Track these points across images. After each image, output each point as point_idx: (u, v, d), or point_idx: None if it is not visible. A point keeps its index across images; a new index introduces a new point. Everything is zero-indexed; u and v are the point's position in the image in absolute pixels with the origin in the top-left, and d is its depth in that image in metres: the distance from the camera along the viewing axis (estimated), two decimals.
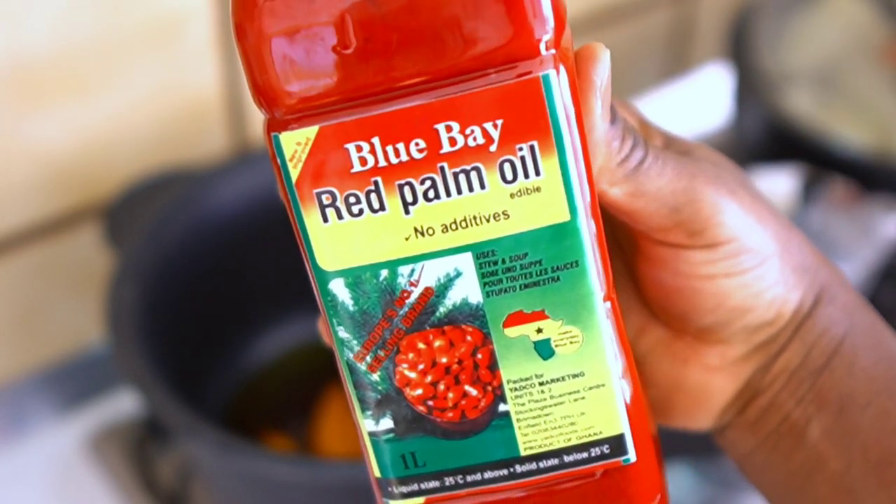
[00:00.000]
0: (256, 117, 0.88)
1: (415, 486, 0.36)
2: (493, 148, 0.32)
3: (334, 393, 0.84)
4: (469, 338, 0.34)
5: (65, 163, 0.81)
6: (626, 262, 0.40)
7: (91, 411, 0.88)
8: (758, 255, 0.37)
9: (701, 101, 1.19)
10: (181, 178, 0.80)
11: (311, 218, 0.33)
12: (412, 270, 0.33)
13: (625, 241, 0.40)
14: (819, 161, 0.91)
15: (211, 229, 0.80)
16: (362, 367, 0.35)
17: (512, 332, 0.34)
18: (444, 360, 0.35)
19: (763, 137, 0.98)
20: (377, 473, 0.36)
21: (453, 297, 0.34)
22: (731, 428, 0.40)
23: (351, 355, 0.35)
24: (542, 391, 0.35)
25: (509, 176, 0.32)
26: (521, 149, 0.32)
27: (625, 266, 0.40)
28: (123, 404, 0.88)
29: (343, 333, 0.35)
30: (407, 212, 0.33)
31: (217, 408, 0.83)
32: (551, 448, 0.35)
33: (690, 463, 0.81)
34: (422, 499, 0.36)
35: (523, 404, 0.35)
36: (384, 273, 0.34)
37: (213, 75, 0.85)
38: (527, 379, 0.35)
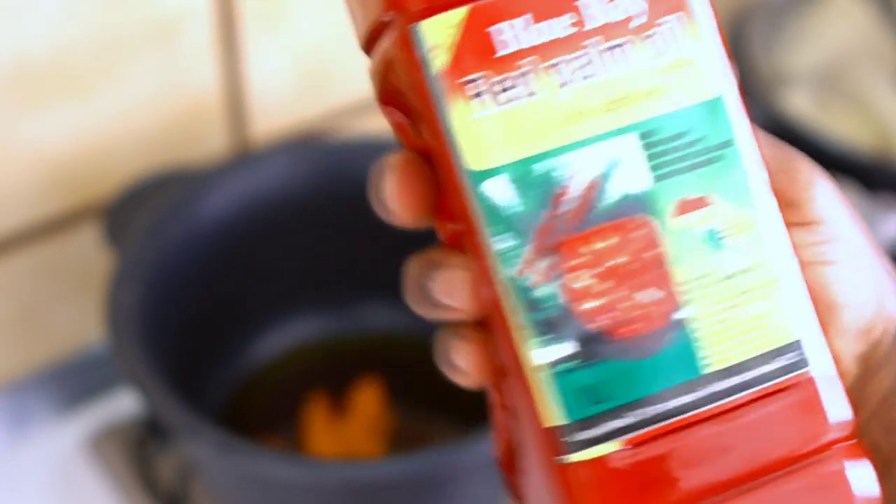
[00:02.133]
0: (257, 117, 0.88)
1: (595, 431, 0.32)
2: (641, 21, 0.32)
3: (323, 396, 0.84)
4: (639, 232, 0.32)
5: (65, 163, 0.81)
6: None
7: (91, 411, 0.88)
8: (848, 245, 0.34)
9: None
10: (181, 178, 0.80)
11: (458, 112, 0.31)
12: (571, 160, 0.31)
13: None
14: (819, 161, 0.91)
15: (211, 229, 0.80)
16: (527, 280, 0.32)
17: (683, 220, 0.32)
18: (615, 261, 0.32)
19: None
20: (549, 421, 0.32)
21: (619, 186, 0.32)
22: None
23: (514, 271, 0.32)
24: (719, 289, 0.32)
25: (659, 50, 0.32)
26: (667, 21, 0.32)
27: None
28: (123, 404, 0.88)
29: (501, 244, 0.31)
30: (560, 95, 0.31)
31: (216, 408, 0.83)
32: (736, 362, 0.32)
33: None
34: (602, 448, 0.32)
35: (703, 306, 0.32)
36: (542, 166, 0.31)
37: (213, 75, 0.85)
38: (703, 276, 0.32)
